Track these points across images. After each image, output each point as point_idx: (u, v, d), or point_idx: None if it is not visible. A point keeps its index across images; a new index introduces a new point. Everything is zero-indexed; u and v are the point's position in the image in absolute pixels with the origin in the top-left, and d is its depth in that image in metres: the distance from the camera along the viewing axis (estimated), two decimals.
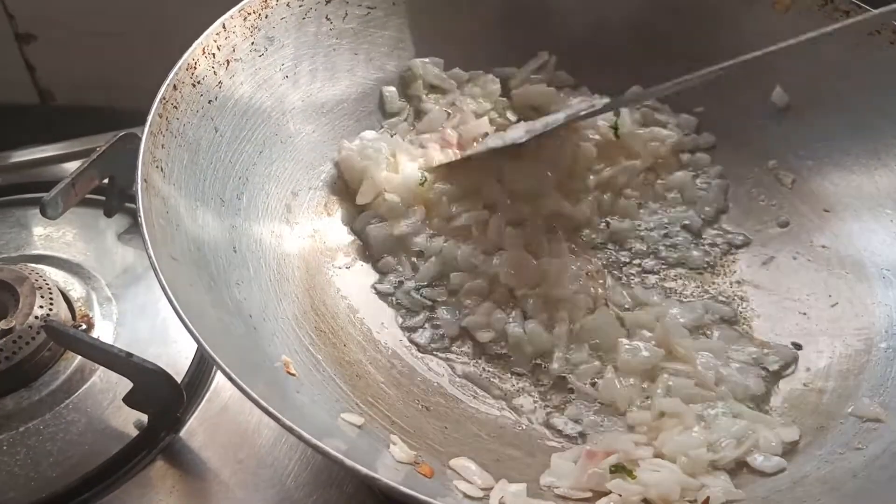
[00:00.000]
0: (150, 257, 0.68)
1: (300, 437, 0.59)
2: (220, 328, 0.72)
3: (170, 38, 0.87)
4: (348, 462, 0.58)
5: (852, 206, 0.94)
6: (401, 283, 0.92)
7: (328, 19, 0.98)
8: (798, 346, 0.88)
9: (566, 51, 1.07)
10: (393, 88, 1.04)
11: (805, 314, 0.90)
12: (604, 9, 1.06)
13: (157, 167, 0.77)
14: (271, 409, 0.60)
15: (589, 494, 0.74)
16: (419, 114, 1.05)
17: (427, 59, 1.05)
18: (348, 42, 1.00)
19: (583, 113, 0.97)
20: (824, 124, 0.97)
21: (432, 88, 1.06)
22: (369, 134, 1.00)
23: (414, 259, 0.94)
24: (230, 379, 0.61)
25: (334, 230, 0.96)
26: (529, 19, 1.07)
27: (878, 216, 0.92)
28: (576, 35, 1.07)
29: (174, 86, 0.82)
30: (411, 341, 0.88)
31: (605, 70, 1.06)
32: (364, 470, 0.58)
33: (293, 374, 0.75)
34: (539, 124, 0.97)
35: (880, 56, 0.93)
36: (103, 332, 0.95)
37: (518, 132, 0.97)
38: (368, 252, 0.95)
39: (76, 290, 0.99)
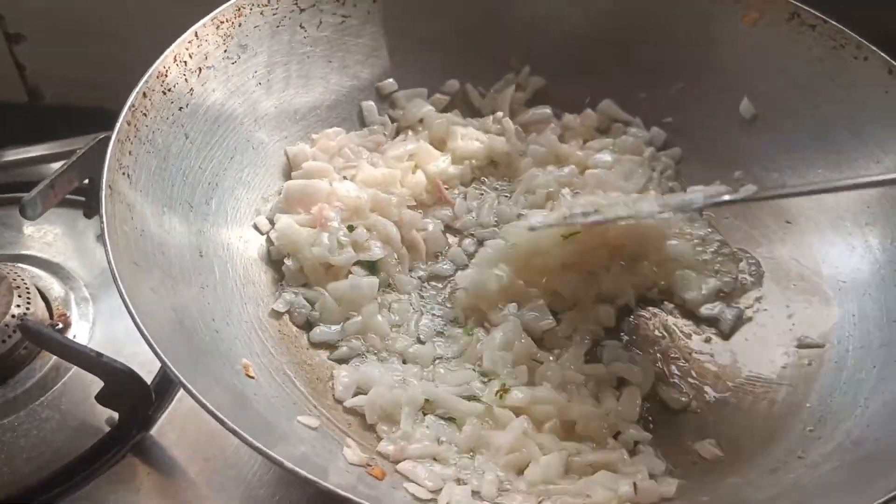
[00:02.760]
0: (109, 263, 0.69)
1: (249, 443, 0.61)
2: (180, 332, 0.73)
3: (160, 39, 0.88)
4: (288, 465, 0.60)
5: (814, 218, 0.95)
6: None
7: (302, 27, 0.99)
8: None
9: (539, 58, 1.08)
10: (371, 104, 1.05)
11: (763, 325, 0.91)
12: (576, 18, 1.07)
13: (123, 174, 0.78)
14: (220, 415, 0.62)
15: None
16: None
17: (411, 91, 1.06)
18: (322, 50, 1.01)
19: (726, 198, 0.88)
20: (789, 137, 0.98)
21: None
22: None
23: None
24: (182, 385, 0.63)
25: None
26: (503, 28, 1.07)
27: (838, 229, 0.93)
28: (548, 44, 1.08)
29: (144, 93, 0.83)
30: None
31: (577, 78, 1.08)
32: (305, 474, 0.61)
33: (252, 377, 0.76)
34: (675, 200, 0.92)
35: (844, 71, 0.94)
36: (80, 331, 0.96)
37: (650, 205, 0.90)
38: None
39: (55, 289, 0.99)
